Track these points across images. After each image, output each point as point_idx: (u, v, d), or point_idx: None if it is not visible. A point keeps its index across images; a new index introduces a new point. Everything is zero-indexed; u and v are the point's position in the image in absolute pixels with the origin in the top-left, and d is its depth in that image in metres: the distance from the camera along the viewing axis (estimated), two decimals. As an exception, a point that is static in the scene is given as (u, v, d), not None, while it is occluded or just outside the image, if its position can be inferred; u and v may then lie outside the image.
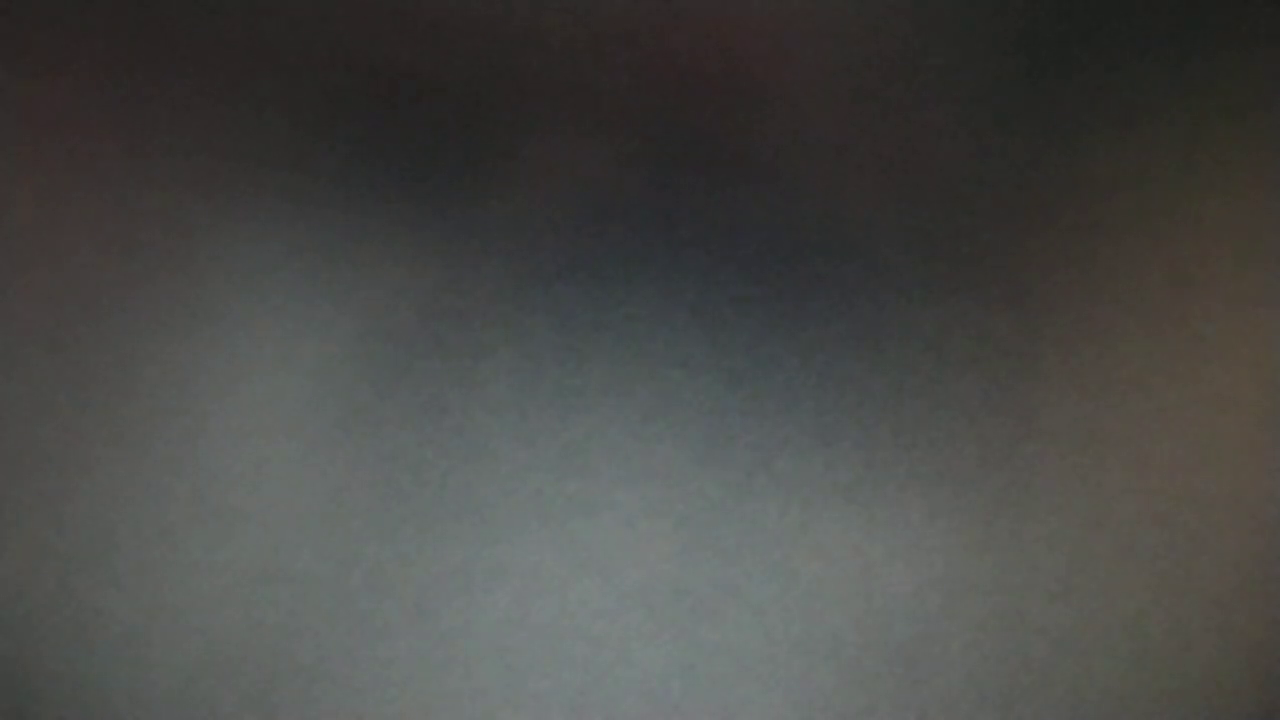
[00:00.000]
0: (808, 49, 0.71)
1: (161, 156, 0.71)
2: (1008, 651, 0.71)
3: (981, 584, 0.71)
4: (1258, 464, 0.71)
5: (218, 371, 0.71)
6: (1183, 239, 0.71)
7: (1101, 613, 0.71)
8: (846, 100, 0.71)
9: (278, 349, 0.71)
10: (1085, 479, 0.71)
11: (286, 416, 0.71)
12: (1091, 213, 0.72)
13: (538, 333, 0.71)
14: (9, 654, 0.70)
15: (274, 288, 0.71)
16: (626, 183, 0.71)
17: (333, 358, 0.71)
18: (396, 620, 0.71)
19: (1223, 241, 0.71)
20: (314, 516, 0.71)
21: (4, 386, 0.71)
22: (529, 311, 0.71)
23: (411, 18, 0.71)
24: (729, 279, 0.71)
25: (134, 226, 0.71)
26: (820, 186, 0.71)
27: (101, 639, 0.71)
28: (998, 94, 0.71)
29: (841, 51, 0.71)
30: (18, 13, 0.71)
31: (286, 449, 0.71)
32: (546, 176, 0.71)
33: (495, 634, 0.71)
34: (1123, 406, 0.71)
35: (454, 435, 0.71)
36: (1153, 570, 0.71)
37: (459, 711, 0.71)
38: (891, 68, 0.71)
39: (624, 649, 0.71)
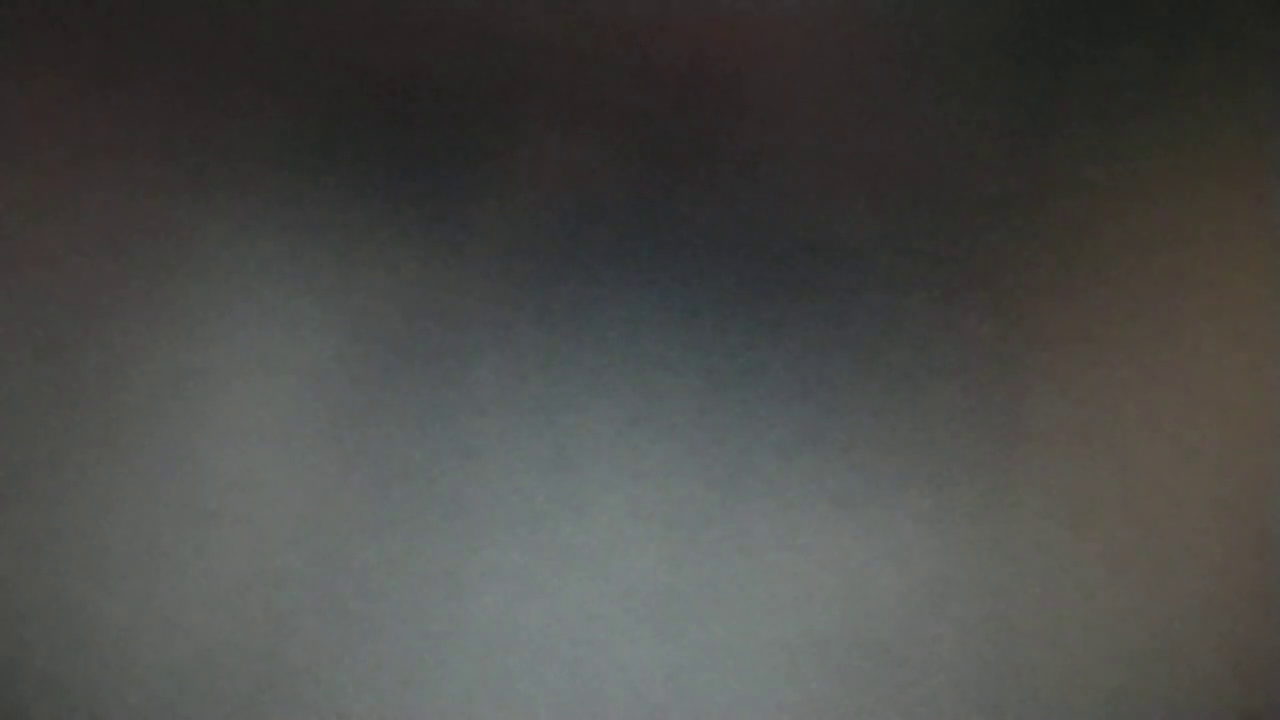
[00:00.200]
0: (794, 54, 0.71)
1: (153, 158, 0.71)
2: (993, 652, 0.70)
3: (967, 586, 0.71)
4: (1240, 466, 0.71)
5: (208, 374, 0.71)
6: (1166, 243, 0.71)
7: (1086, 614, 0.71)
8: (833, 104, 0.71)
9: (267, 351, 0.71)
10: (1070, 482, 0.71)
11: (276, 419, 0.71)
12: (1074, 219, 0.72)
13: (525, 335, 0.71)
14: (1, 654, 0.70)
15: (263, 290, 0.71)
16: (613, 187, 0.71)
17: (322, 360, 0.71)
18: (385, 621, 0.71)
19: (1205, 244, 0.71)
20: (303, 518, 0.71)
21: (8, 386, 0.71)
22: (517, 314, 0.71)
23: (402, 21, 0.71)
24: (716, 282, 0.71)
25: (125, 228, 0.71)
26: (807, 191, 0.71)
27: (92, 640, 0.70)
28: (984, 98, 0.71)
29: (828, 56, 0.71)
30: (15, 14, 0.71)
31: (276, 451, 0.71)
32: (534, 181, 0.71)
33: (484, 635, 0.71)
34: (1107, 410, 0.71)
35: (442, 437, 0.71)
36: (1137, 572, 0.71)
37: (448, 712, 0.71)
38: (879, 72, 0.71)
39: (612, 650, 0.71)
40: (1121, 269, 0.72)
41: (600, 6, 0.71)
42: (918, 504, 0.71)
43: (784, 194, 0.71)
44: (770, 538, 0.71)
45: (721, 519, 0.71)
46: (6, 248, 0.72)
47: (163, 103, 0.71)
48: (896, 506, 0.71)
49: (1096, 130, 0.71)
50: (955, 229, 0.71)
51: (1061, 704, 0.71)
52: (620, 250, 0.71)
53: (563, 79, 0.71)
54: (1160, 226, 0.72)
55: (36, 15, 0.71)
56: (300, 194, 0.71)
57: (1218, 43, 0.71)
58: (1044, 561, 0.71)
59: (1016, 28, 0.72)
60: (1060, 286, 0.71)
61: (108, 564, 0.71)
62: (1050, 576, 0.71)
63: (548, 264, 0.71)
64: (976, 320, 0.71)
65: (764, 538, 0.71)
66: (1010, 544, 0.71)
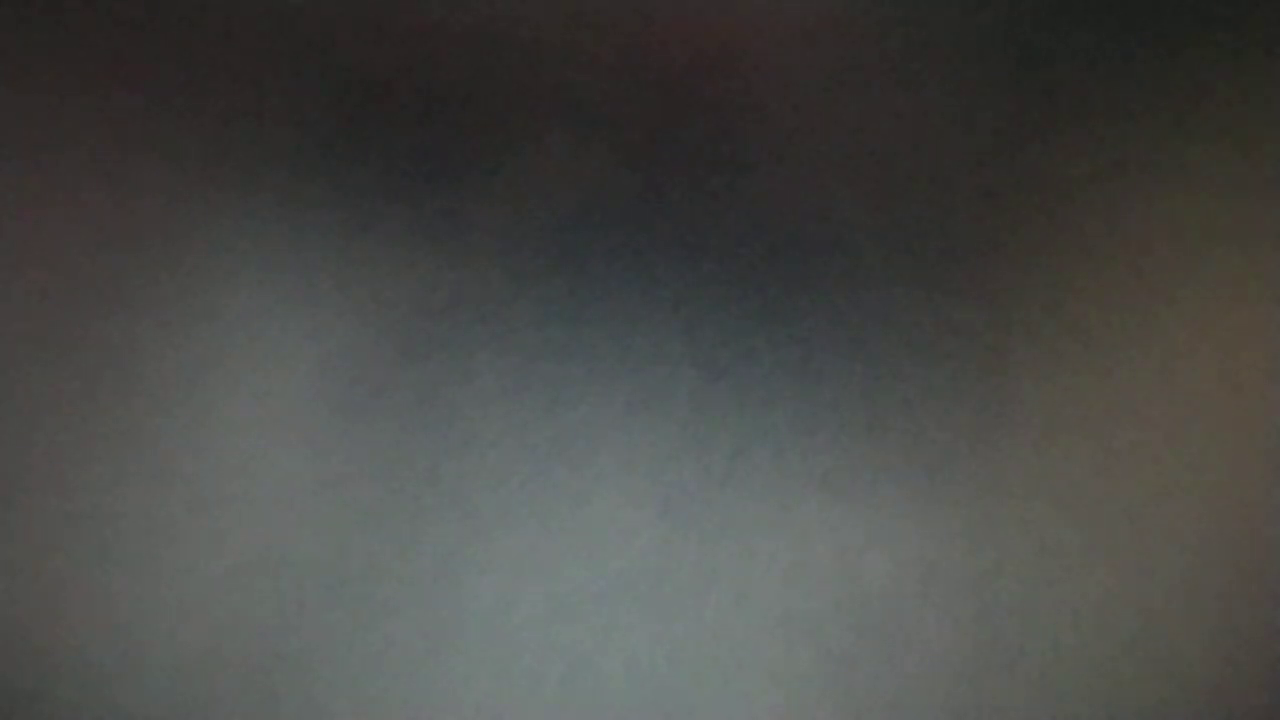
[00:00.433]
0: (786, 56, 0.71)
1: (165, 158, 0.71)
2: (979, 631, 0.70)
3: (954, 567, 0.70)
4: (1221, 451, 0.71)
5: (220, 366, 0.71)
6: (1145, 235, 0.71)
7: (1069, 594, 0.71)
8: (826, 105, 0.71)
9: (276, 345, 0.71)
10: (1053, 466, 0.71)
11: (284, 410, 0.70)
12: (1057, 211, 0.71)
13: (524, 329, 0.71)
14: (12, 639, 0.70)
15: (273, 286, 0.71)
16: (610, 186, 0.71)
17: (329, 353, 0.71)
18: (390, 604, 0.70)
19: (1184, 236, 0.71)
20: (311, 505, 0.70)
21: (8, 380, 0.71)
22: (516, 309, 0.71)
23: (407, 25, 0.71)
24: (708, 277, 0.71)
25: (141, 225, 0.71)
26: (798, 189, 0.71)
27: (106, 623, 0.70)
28: (972, 95, 0.71)
29: (821, 57, 0.71)
30: (22, 14, 0.71)
31: (284, 441, 0.70)
32: (533, 180, 0.71)
33: (486, 617, 0.70)
34: (1089, 398, 0.71)
35: (445, 427, 0.71)
36: (1117, 553, 0.71)
37: (452, 692, 0.71)
38: (870, 73, 0.71)
39: (610, 631, 0.70)
40: (1104, 261, 0.71)
41: (601, 13, 0.71)
42: (905, 489, 0.70)
43: (775, 192, 0.71)
44: (762, 522, 0.70)
45: (715, 504, 0.70)
46: (21, 245, 0.71)
47: (176, 101, 0.71)
48: (884, 491, 0.70)
49: (1083, 126, 0.71)
50: (940, 226, 0.71)
51: (1044, 683, 0.71)
52: (617, 246, 0.71)
53: (563, 82, 0.71)
54: (1139, 220, 0.71)
55: (48, 15, 0.71)
56: (310, 197, 0.71)
57: (1214, 38, 0.72)
58: (1027, 544, 0.71)
59: (1006, 24, 0.71)
60: (1044, 278, 0.71)
61: (121, 550, 0.70)
62: (1033, 558, 0.71)
63: (547, 260, 0.71)
64: (962, 311, 0.71)
65: (756, 522, 0.70)
66: (995, 527, 0.70)
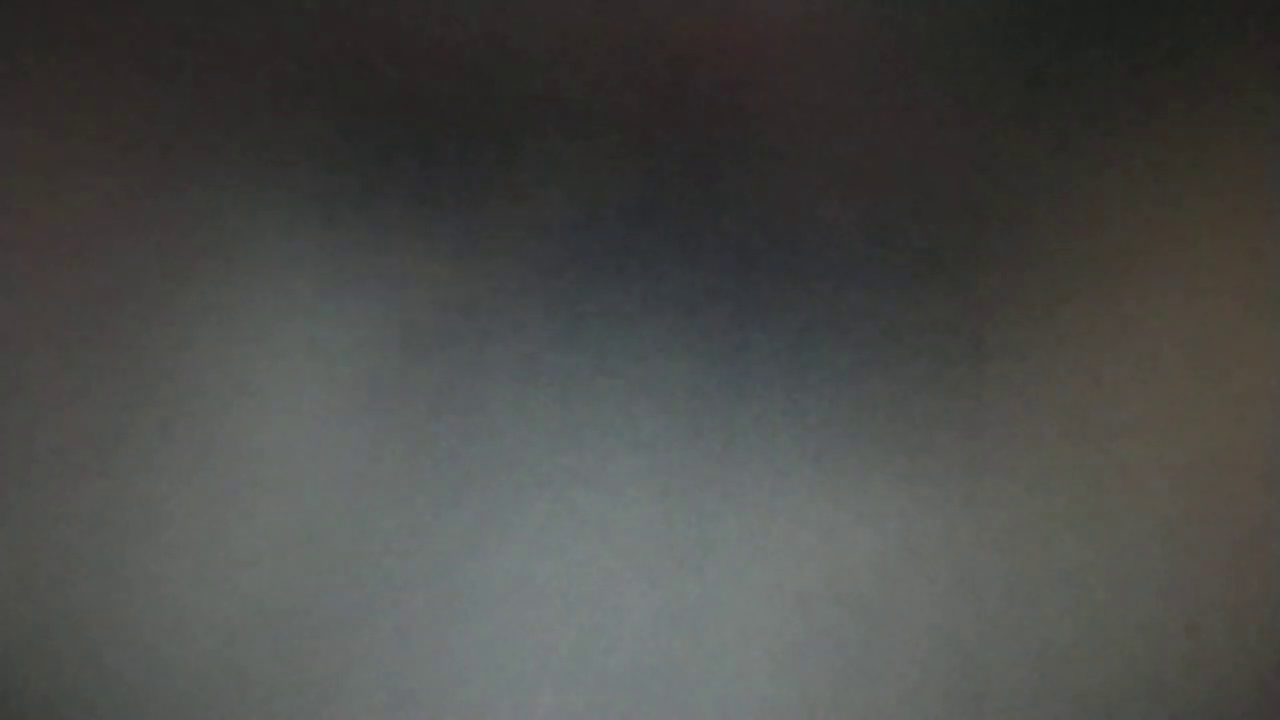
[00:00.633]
0: (775, 70, 0.71)
1: (195, 160, 0.71)
2: (961, 601, 0.70)
3: (936, 541, 0.70)
4: (1190, 431, 0.71)
5: (255, 360, 0.71)
6: (1116, 229, 0.71)
7: (1044, 565, 0.71)
8: (813, 114, 0.71)
9: (308, 338, 0.71)
10: (1027, 446, 0.71)
11: (315, 400, 0.71)
12: (1030, 212, 0.71)
13: (537, 322, 0.71)
14: (70, 610, 0.71)
15: (306, 284, 0.71)
16: (614, 190, 0.71)
17: (356, 345, 0.71)
18: (415, 579, 0.71)
19: (1157, 232, 0.71)
20: (340, 488, 0.71)
21: (68, 371, 0.71)
22: (530, 303, 0.71)
23: (429, 36, 0.71)
24: (707, 273, 0.71)
25: (175, 223, 0.71)
26: (788, 190, 0.71)
27: (152, 599, 0.71)
28: (955, 98, 0.71)
29: (807, 69, 0.71)
30: (54, 11, 0.71)
31: (316, 428, 0.71)
32: (544, 185, 0.71)
33: (503, 589, 0.71)
34: (1059, 382, 0.71)
35: (464, 414, 0.71)
36: (1088, 526, 0.71)
37: (472, 659, 0.71)
38: (858, 82, 0.71)
39: (617, 603, 0.71)
40: (1076, 256, 0.71)
41: (606, 29, 0.71)
42: (890, 469, 0.70)
43: (768, 194, 0.71)
44: (757, 500, 0.71)
45: (714, 484, 0.71)
46: (66, 243, 0.71)
47: (205, 102, 0.71)
48: (871, 471, 0.70)
49: (1062, 125, 0.71)
50: (921, 224, 0.71)
51: (1024, 652, 0.71)
52: (620, 245, 0.71)
53: (571, 93, 0.71)
54: (1110, 213, 0.71)
55: (68, 22, 0.71)
56: (339, 200, 0.71)
57: (1207, 39, 0.71)
58: (1004, 519, 0.71)
59: (990, 29, 0.71)
60: (1016, 273, 0.71)
61: (166, 531, 0.71)
62: (1010, 534, 0.71)
63: (556, 258, 0.71)
64: (942, 304, 0.71)
65: (751, 500, 0.71)
66: (973, 502, 0.71)
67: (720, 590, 0.71)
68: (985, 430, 0.71)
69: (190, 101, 0.71)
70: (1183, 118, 0.72)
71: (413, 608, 0.71)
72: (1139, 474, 0.71)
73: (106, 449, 0.71)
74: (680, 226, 0.71)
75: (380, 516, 0.71)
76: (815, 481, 0.71)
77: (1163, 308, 0.72)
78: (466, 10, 0.71)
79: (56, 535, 0.71)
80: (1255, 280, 0.71)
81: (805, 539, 0.71)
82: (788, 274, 0.71)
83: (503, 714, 0.71)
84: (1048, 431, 0.71)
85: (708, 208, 0.71)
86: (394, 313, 0.71)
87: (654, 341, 0.71)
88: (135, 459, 0.71)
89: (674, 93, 0.71)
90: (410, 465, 0.71)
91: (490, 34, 0.71)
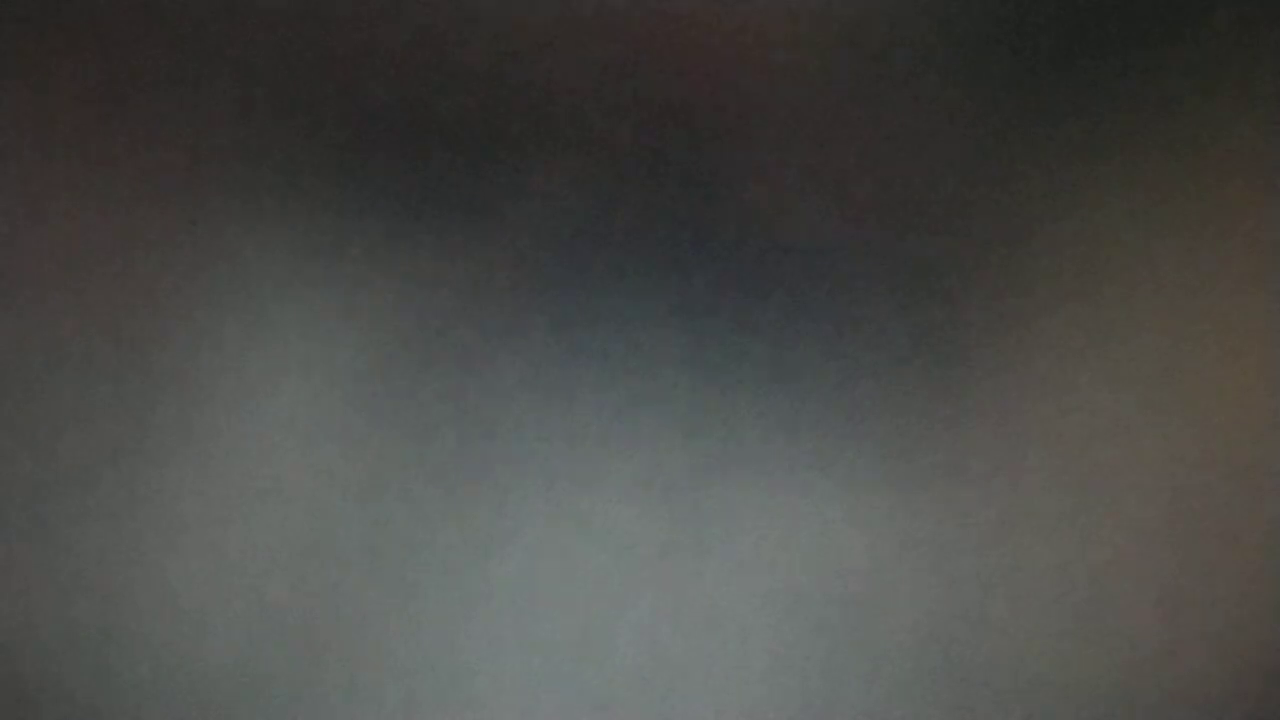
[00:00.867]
0: (767, 92, 0.71)
1: (205, 171, 0.70)
2: (946, 597, 0.70)
3: (922, 540, 0.71)
4: (1159, 432, 0.71)
5: (268, 369, 0.71)
6: (1095, 238, 0.71)
7: (1024, 562, 0.71)
8: (803, 136, 0.71)
9: (320, 348, 0.71)
10: (1007, 449, 0.71)
11: (327, 408, 0.70)
12: (1013, 221, 0.71)
13: (540, 332, 0.71)
14: (87, 617, 0.70)
15: (317, 296, 0.71)
16: (615, 207, 0.71)
17: (366, 356, 0.71)
18: (423, 580, 0.70)
19: (1135, 236, 0.71)
20: (351, 493, 0.70)
21: (83, 382, 0.70)
22: (533, 314, 0.71)
23: (437, 52, 0.70)
24: (702, 287, 0.71)
25: (192, 233, 0.70)
26: (779, 207, 0.71)
27: (172, 602, 0.70)
28: (943, 120, 0.71)
29: (798, 92, 0.71)
30: (55, 21, 0.70)
31: (328, 436, 0.70)
32: (548, 202, 0.71)
33: (509, 590, 0.70)
34: (1037, 389, 0.71)
35: (471, 421, 0.71)
36: (1067, 524, 0.71)
37: (480, 660, 0.70)
38: (847, 101, 0.71)
39: (618, 601, 0.70)
40: (1054, 260, 0.71)
41: (608, 53, 0.70)
42: (879, 472, 0.70)
43: (761, 210, 0.71)
44: (752, 503, 0.71)
45: (710, 487, 0.71)
46: (80, 252, 0.70)
47: (216, 117, 0.70)
48: (861, 475, 0.70)
49: (1048, 138, 0.71)
50: (908, 239, 0.71)
51: (1004, 638, 0.71)
52: (620, 260, 0.71)
53: (573, 114, 0.71)
54: (1082, 225, 0.71)
55: (89, 23, 0.70)
56: (353, 213, 0.70)
57: (1202, 48, 0.71)
58: (985, 517, 0.71)
59: (981, 41, 0.71)
60: (994, 286, 0.71)
61: (185, 537, 0.70)
62: (993, 533, 0.71)
63: (559, 272, 0.71)
64: (925, 315, 0.71)
65: (747, 503, 0.71)
66: (957, 503, 0.71)
67: (718, 591, 0.71)
68: (970, 435, 0.71)
69: (201, 115, 0.70)
70: (1170, 128, 0.71)
71: (423, 609, 0.71)
72: (1118, 475, 0.71)
73: (122, 457, 0.71)
74: (677, 243, 0.71)
75: (389, 522, 0.71)
76: (808, 486, 0.71)
77: (1139, 316, 0.72)
78: (474, 29, 0.71)
79: (73, 543, 0.70)
80: (1234, 290, 0.71)
81: (799, 541, 0.71)
82: (779, 287, 0.71)
83: (509, 712, 0.70)
84: (1030, 435, 0.71)
85: (704, 225, 0.71)
86: (403, 326, 0.71)
87: (653, 352, 0.71)
88: (150, 468, 0.71)
89: (673, 112, 0.71)
90: (419, 472, 0.71)
91: (497, 53, 0.71)
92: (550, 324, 0.71)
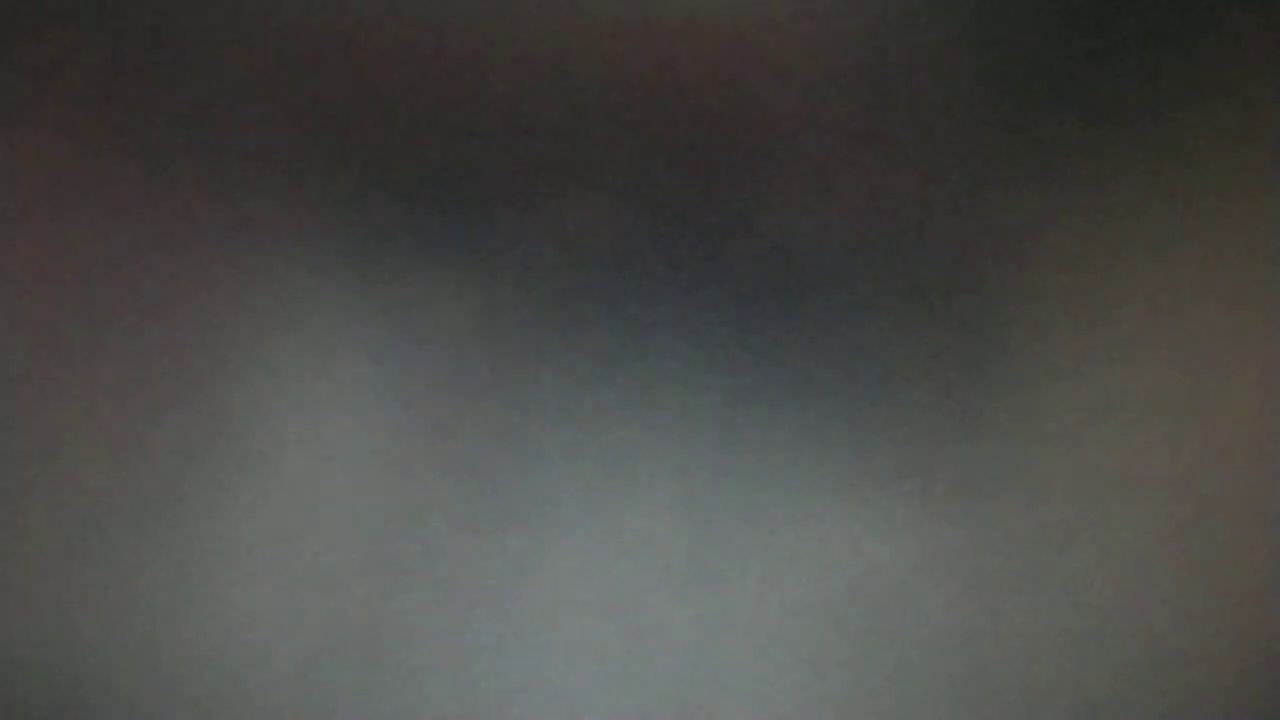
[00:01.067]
0: (783, 119, 0.71)
1: (244, 178, 0.70)
2: (971, 605, 0.71)
3: (948, 551, 0.71)
4: (1177, 441, 0.71)
5: (321, 399, 0.71)
6: (1109, 253, 0.71)
7: (1046, 570, 0.71)
8: (818, 163, 0.71)
9: (362, 368, 0.71)
10: (1031, 460, 0.71)
11: (373, 432, 0.71)
12: (1027, 239, 0.71)
13: (580, 356, 0.71)
14: (151, 638, 0.71)
15: (371, 323, 0.71)
16: (649, 232, 0.71)
17: (415, 382, 0.71)
18: (468, 597, 0.71)
19: (1147, 251, 0.71)
20: (399, 514, 0.71)
21: (145, 417, 0.71)
22: (573, 339, 0.71)
23: (471, 77, 0.71)
24: (731, 313, 0.71)
25: (248, 266, 0.71)
26: (800, 232, 0.71)
27: (228, 623, 0.71)
28: (948, 124, 0.71)
29: (812, 106, 0.71)
30: (60, 25, 0.69)
31: (375, 459, 0.71)
32: (586, 223, 0.71)
33: (551, 604, 0.71)
34: (1054, 405, 0.71)
35: (513, 443, 0.71)
36: (1086, 533, 0.71)
37: (526, 672, 0.71)
38: (861, 130, 0.71)
39: (656, 614, 0.71)
40: (1069, 276, 0.71)
41: (629, 85, 0.71)
42: (904, 486, 0.71)
43: (784, 236, 0.71)
44: (782, 518, 0.71)
45: (741, 505, 0.71)
46: (115, 258, 0.70)
47: (255, 132, 0.70)
48: (887, 489, 0.71)
49: (1054, 144, 0.71)
50: (925, 262, 0.71)
51: (1029, 644, 0.71)
52: (654, 287, 0.71)
53: (607, 149, 0.71)
54: (1105, 241, 0.71)
55: (92, 30, 0.69)
56: (391, 233, 0.70)
57: (1205, 54, 0.70)
58: (1010, 529, 0.71)
59: (989, 60, 0.71)
60: (1012, 309, 0.71)
61: (239, 564, 0.71)
62: (1016, 542, 0.71)
63: (594, 299, 0.71)
64: (946, 336, 0.71)
65: (777, 518, 0.71)
66: (981, 515, 0.71)
67: (750, 603, 0.71)
68: (991, 447, 0.71)
69: (237, 154, 0.71)
70: (1183, 133, 0.71)
71: (469, 626, 0.71)
72: (1138, 485, 0.71)
73: (183, 489, 0.71)
74: (708, 271, 0.71)
75: (438, 542, 0.71)
76: (835, 500, 0.71)
77: (1154, 328, 0.71)
78: (500, 62, 0.70)
79: (140, 568, 0.71)
80: (1246, 299, 0.71)
81: (828, 554, 0.71)
82: (804, 311, 0.71)
83: (554, 721, 0.70)
84: (1050, 446, 0.71)
85: (733, 252, 0.71)
86: (448, 357, 0.71)
87: (686, 375, 0.71)
88: (211, 494, 0.71)
89: (697, 138, 0.71)
90: (465, 495, 0.71)
91: (522, 84, 0.71)
92: (590, 347, 0.71)
